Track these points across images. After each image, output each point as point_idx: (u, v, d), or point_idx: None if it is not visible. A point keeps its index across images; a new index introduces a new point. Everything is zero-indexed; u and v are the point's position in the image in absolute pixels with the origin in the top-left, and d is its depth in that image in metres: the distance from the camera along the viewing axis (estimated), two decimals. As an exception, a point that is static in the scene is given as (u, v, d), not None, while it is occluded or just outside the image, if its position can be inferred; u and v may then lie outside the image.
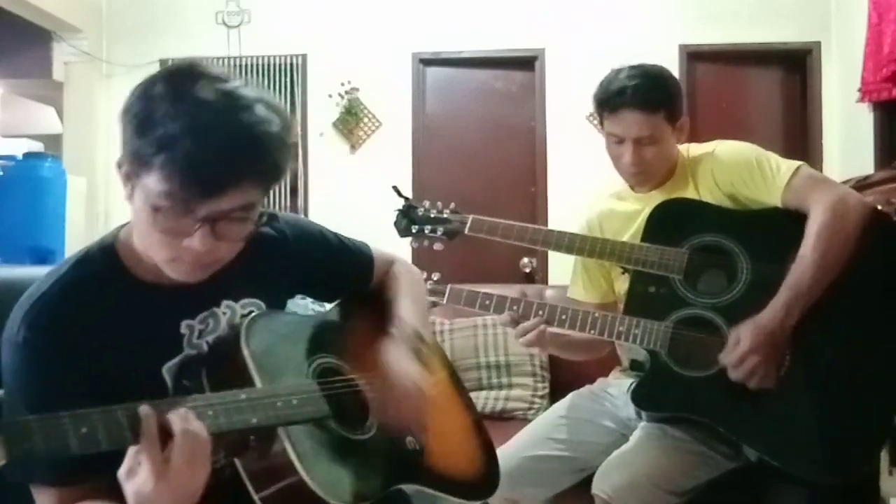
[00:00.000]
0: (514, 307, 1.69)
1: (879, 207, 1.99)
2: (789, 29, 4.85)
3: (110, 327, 1.01)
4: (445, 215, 1.83)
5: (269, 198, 1.11)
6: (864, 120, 4.18)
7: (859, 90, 4.07)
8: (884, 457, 1.67)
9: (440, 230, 1.82)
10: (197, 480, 0.86)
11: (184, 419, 0.85)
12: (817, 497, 1.54)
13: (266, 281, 1.17)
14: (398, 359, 1.21)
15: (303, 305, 1.26)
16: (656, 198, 1.75)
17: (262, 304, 1.15)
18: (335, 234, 1.33)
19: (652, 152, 1.70)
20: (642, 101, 1.66)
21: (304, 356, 1.13)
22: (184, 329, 1.08)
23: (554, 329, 1.68)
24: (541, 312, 1.67)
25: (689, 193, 1.72)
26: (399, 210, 1.87)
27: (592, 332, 1.63)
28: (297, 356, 1.12)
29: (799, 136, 4.91)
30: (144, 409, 0.82)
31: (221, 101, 0.92)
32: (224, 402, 0.93)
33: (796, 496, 1.57)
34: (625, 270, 1.73)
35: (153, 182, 0.91)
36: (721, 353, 1.52)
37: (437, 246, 1.84)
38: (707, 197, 1.70)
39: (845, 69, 4.51)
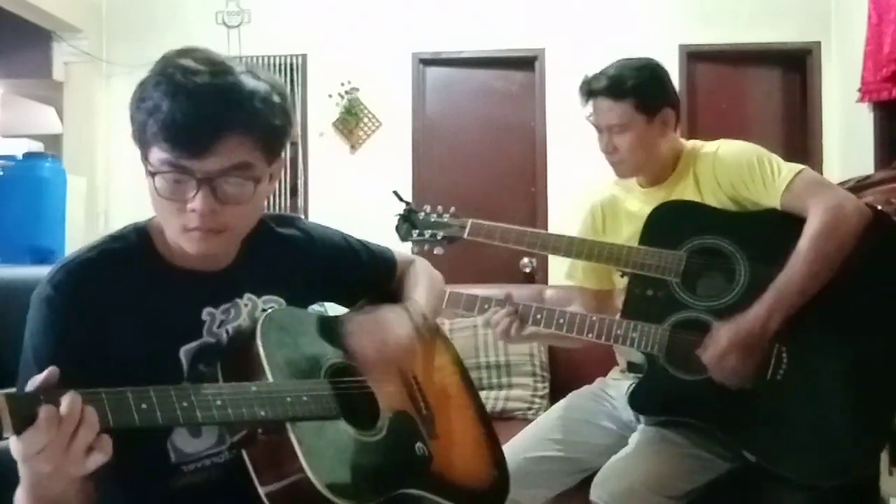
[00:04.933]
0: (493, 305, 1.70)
1: (879, 208, 1.99)
2: (789, 29, 4.85)
3: (134, 303, 1.04)
4: (445, 220, 1.84)
5: (268, 197, 1.12)
6: (864, 120, 4.17)
7: (859, 90, 4.07)
8: (884, 457, 1.67)
9: (440, 234, 1.84)
10: (69, 470, 0.82)
11: (54, 407, 0.80)
12: (817, 498, 1.53)
13: (288, 280, 1.19)
14: (390, 312, 1.25)
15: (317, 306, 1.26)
16: (658, 195, 1.75)
17: (283, 302, 1.17)
18: (358, 240, 1.36)
19: (624, 141, 1.72)
20: (608, 88, 1.72)
21: (318, 355, 1.14)
22: (205, 316, 1.10)
23: (532, 328, 1.69)
24: (539, 317, 1.67)
25: (691, 192, 1.72)
26: (400, 215, 1.88)
27: (590, 335, 1.62)
28: (312, 354, 1.13)
29: (799, 136, 4.91)
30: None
31: (202, 67, 0.97)
32: (234, 393, 0.94)
33: (796, 497, 1.56)
34: (623, 274, 1.73)
35: (154, 153, 0.97)
36: (701, 351, 1.52)
37: (438, 251, 1.86)
38: (709, 196, 1.69)
39: (845, 69, 4.51)
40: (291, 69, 5.14)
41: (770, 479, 1.56)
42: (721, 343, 1.49)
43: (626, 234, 1.79)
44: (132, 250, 1.08)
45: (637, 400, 1.61)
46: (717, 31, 4.87)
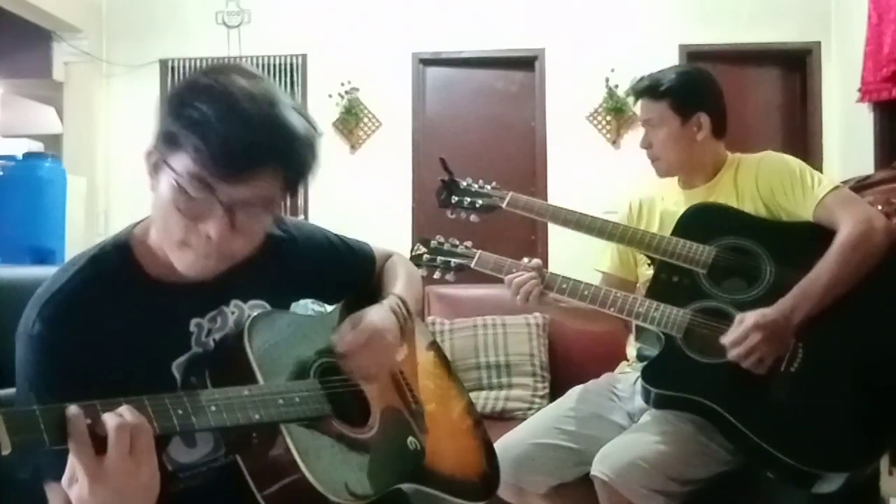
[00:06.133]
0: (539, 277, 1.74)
1: (879, 208, 2.01)
2: (789, 29, 4.85)
3: (122, 324, 1.03)
4: (486, 190, 1.91)
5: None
6: (864, 120, 4.18)
7: (859, 90, 4.07)
8: (883, 457, 1.68)
9: (479, 203, 1.89)
10: (140, 480, 0.81)
11: (117, 415, 0.81)
12: (817, 498, 1.54)
13: (273, 282, 1.18)
14: (372, 310, 1.23)
15: (302, 306, 1.26)
16: (696, 197, 1.82)
17: (268, 306, 1.17)
18: (338, 237, 1.36)
19: (656, 137, 1.84)
20: (647, 89, 1.86)
21: (307, 355, 1.14)
22: (193, 327, 1.09)
23: (556, 296, 1.74)
24: (564, 286, 1.72)
25: (728, 195, 1.79)
26: (442, 181, 1.94)
27: (612, 309, 1.67)
28: (300, 355, 1.13)
29: (799, 136, 4.92)
30: (72, 410, 0.78)
31: (255, 92, 0.95)
32: (227, 398, 0.94)
33: (796, 497, 1.57)
34: (651, 261, 1.79)
35: (181, 162, 0.94)
36: (724, 336, 1.56)
37: (474, 218, 1.92)
38: (747, 202, 1.76)
39: (845, 69, 4.52)
40: (291, 69, 5.14)
41: (769, 479, 1.56)
42: (747, 324, 1.53)
43: (658, 228, 1.85)
44: (114, 271, 1.06)
45: (649, 373, 1.64)
46: (717, 31, 4.87)
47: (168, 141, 0.96)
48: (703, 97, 1.84)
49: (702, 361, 1.58)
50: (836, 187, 1.69)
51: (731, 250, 1.68)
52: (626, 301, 1.67)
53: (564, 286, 1.72)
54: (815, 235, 1.64)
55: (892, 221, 1.99)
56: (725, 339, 1.55)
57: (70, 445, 0.78)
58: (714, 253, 1.67)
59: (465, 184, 1.92)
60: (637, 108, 1.93)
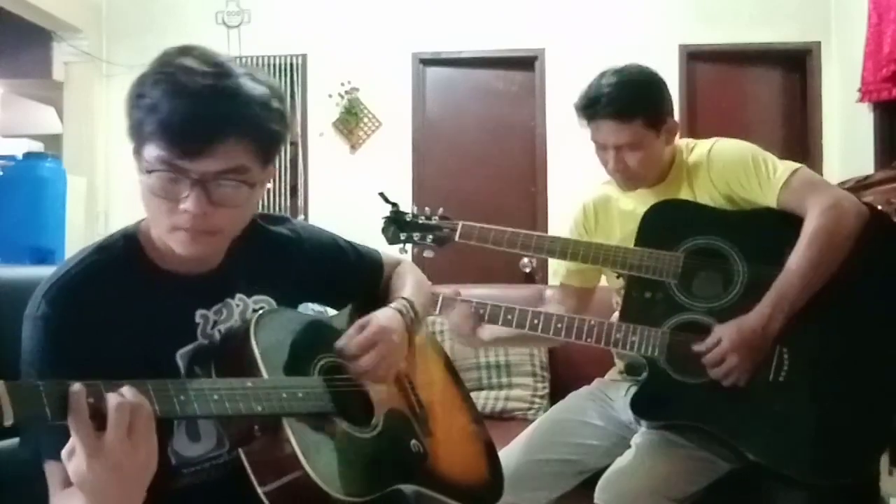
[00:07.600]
0: (509, 316, 1.65)
1: (879, 208, 2.00)
2: (789, 29, 4.85)
3: (127, 311, 1.04)
4: (434, 222, 1.77)
5: (268, 197, 1.11)
6: (864, 120, 4.18)
7: (859, 90, 4.07)
8: (884, 457, 1.67)
9: (430, 237, 1.77)
10: (137, 459, 0.82)
11: (119, 395, 0.82)
12: (817, 498, 1.53)
13: (278, 280, 1.19)
14: (380, 312, 1.23)
15: (304, 307, 1.26)
16: (653, 194, 1.74)
17: (273, 302, 1.18)
18: (347, 242, 1.36)
19: (635, 158, 1.68)
20: (616, 110, 1.65)
21: (311, 353, 1.14)
22: (198, 318, 1.11)
23: (494, 327, 1.67)
24: (535, 321, 1.63)
25: (685, 191, 1.71)
26: (386, 217, 1.82)
27: (589, 340, 1.60)
28: (304, 353, 1.13)
29: (799, 136, 4.92)
30: (75, 387, 0.80)
31: (203, 68, 0.97)
32: (230, 388, 0.95)
33: (796, 497, 1.56)
34: (619, 275, 1.72)
35: (149, 150, 0.97)
36: (700, 347, 1.52)
37: (428, 254, 1.79)
38: (703, 195, 1.68)
39: (845, 69, 4.51)
40: (291, 69, 5.14)
41: (770, 478, 1.56)
42: (723, 345, 1.49)
43: (620, 233, 1.77)
44: (121, 259, 1.08)
45: (639, 406, 1.60)
46: (717, 31, 4.87)
47: (136, 133, 0.99)
48: (667, 101, 1.72)
49: (688, 382, 1.55)
50: (796, 170, 1.58)
51: (700, 253, 1.60)
52: (602, 329, 1.59)
53: (536, 321, 1.62)
54: (782, 222, 1.56)
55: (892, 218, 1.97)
56: (704, 360, 1.51)
57: (70, 421, 0.79)
58: (682, 260, 1.60)
59: (410, 216, 1.79)
60: (594, 127, 1.69)
